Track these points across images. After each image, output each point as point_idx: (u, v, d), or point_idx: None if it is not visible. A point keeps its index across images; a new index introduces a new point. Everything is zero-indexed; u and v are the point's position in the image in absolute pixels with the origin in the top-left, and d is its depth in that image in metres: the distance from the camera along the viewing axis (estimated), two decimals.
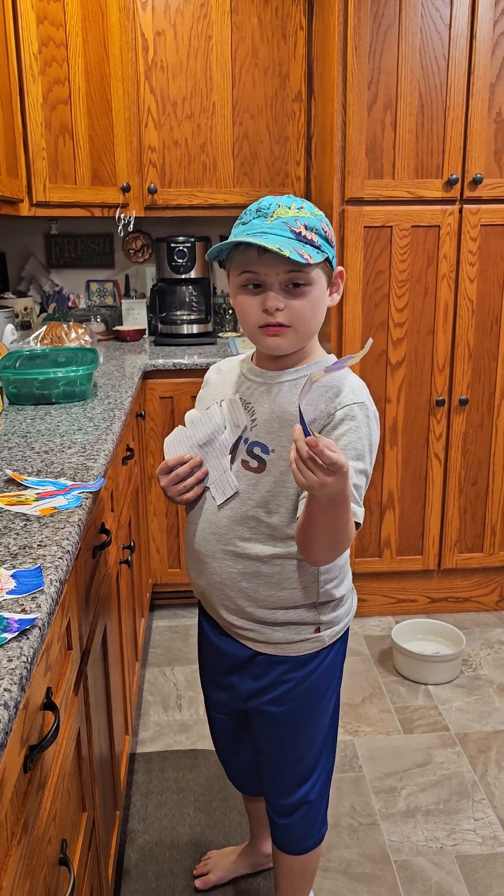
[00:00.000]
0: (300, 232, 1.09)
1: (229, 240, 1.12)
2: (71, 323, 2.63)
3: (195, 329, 2.99)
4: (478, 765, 2.05)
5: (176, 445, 1.25)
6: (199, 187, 2.80)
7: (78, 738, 1.17)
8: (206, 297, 3.02)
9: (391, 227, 2.44)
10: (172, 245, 2.90)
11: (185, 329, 2.99)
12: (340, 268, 1.19)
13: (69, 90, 2.47)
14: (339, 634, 1.31)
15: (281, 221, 1.09)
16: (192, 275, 2.94)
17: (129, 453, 2.03)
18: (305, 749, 1.37)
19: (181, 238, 2.90)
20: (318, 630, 1.27)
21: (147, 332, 3.14)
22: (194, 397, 2.66)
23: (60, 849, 1.01)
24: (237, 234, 1.11)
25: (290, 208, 1.11)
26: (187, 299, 2.99)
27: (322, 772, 1.41)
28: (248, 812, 1.69)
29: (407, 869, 1.72)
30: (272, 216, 1.10)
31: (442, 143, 2.40)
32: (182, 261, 2.91)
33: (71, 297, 3.17)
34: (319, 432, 1.12)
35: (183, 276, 2.94)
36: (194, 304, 3.00)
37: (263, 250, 1.08)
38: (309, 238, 1.09)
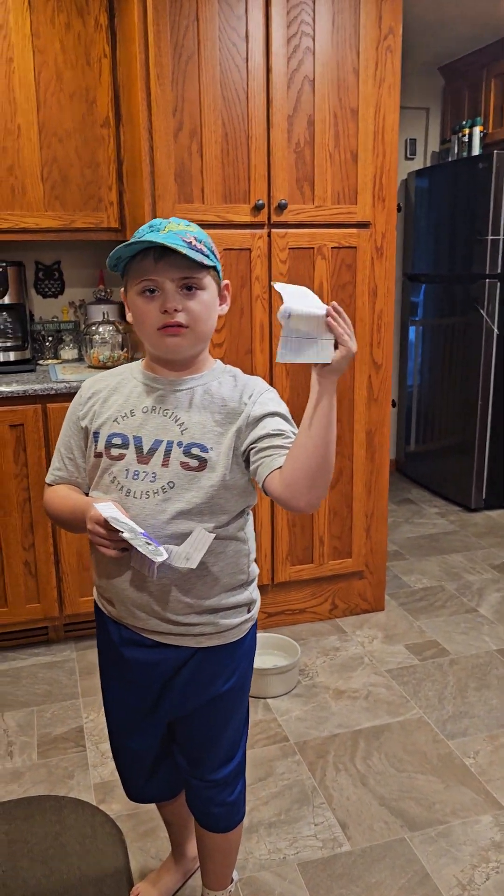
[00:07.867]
0: (191, 242, 1.19)
1: (126, 245, 1.18)
2: None
3: (12, 356, 2.88)
4: (316, 770, 2.09)
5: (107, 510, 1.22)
6: (10, 210, 2.71)
7: None
8: (23, 323, 2.92)
9: None
10: None
11: (1, 357, 2.87)
12: (227, 281, 1.30)
13: None
14: (257, 609, 1.41)
15: (173, 233, 1.19)
16: (6, 300, 2.84)
17: None
18: (240, 719, 1.44)
19: None
20: (249, 610, 1.37)
21: None
22: (13, 426, 2.54)
23: None
24: (133, 247, 1.19)
25: (179, 225, 1.21)
26: (2, 326, 2.87)
27: (244, 742, 1.48)
28: (167, 821, 1.66)
29: (251, 885, 1.72)
30: (164, 230, 1.20)
31: (247, 169, 2.48)
32: None
33: None
34: (236, 429, 1.23)
35: None
36: (10, 330, 2.89)
37: (160, 257, 1.17)
38: (199, 248, 1.20)
